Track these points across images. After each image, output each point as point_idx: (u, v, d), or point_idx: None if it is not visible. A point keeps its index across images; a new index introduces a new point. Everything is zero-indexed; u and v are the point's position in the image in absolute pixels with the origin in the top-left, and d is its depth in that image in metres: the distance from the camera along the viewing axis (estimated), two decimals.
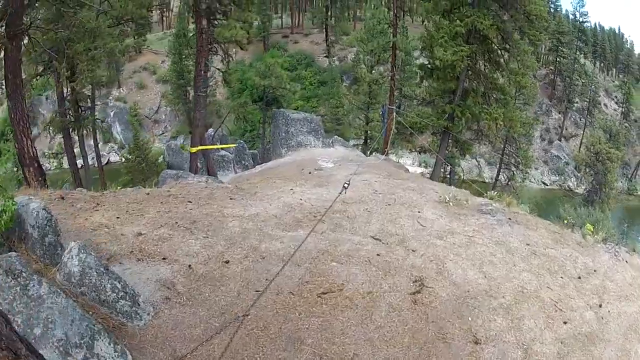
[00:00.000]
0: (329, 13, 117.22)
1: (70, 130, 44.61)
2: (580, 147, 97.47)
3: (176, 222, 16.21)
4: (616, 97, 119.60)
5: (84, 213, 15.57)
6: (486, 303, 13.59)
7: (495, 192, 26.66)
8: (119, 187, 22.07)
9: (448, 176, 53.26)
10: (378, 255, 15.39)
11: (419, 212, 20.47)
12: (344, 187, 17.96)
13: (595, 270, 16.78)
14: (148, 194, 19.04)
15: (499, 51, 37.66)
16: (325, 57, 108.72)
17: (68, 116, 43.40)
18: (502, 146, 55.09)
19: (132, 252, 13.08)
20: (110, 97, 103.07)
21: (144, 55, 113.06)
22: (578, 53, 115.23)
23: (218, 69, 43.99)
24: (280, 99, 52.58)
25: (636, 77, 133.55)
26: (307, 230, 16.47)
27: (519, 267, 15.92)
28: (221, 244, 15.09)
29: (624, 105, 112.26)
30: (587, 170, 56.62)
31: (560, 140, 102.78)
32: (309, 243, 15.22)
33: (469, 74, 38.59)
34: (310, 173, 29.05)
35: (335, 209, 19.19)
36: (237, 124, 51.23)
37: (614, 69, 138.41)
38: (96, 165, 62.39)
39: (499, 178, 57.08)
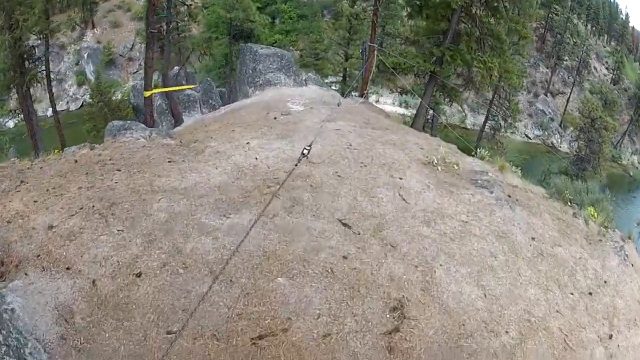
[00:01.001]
0: None
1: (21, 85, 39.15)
2: (566, 105, 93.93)
3: (93, 206, 12.66)
4: (607, 62, 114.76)
5: (5, 197, 13.49)
6: (486, 344, 10.00)
7: (486, 151, 22.57)
8: (56, 151, 19.82)
9: (430, 121, 48.77)
10: (345, 258, 11.38)
11: (400, 178, 16.55)
12: (302, 154, 13.60)
13: (605, 282, 13.73)
14: (76, 161, 16.09)
15: None
16: None
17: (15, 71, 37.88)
18: (491, 96, 50.54)
19: (39, 255, 10.91)
20: (85, 39, 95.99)
21: None
22: (571, 13, 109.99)
23: (183, 2, 38.60)
24: (255, 32, 46.59)
25: (629, 48, 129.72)
26: (254, 210, 12.47)
27: (524, 277, 12.35)
28: (137, 243, 11.33)
29: (615, 73, 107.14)
30: (580, 135, 52.36)
31: (546, 95, 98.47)
32: (251, 239, 11.09)
33: (463, 16, 33.75)
34: (275, 118, 24.54)
35: (297, 173, 15.17)
36: (201, 61, 45.33)
37: (606, 35, 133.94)
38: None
39: (484, 129, 52.71)
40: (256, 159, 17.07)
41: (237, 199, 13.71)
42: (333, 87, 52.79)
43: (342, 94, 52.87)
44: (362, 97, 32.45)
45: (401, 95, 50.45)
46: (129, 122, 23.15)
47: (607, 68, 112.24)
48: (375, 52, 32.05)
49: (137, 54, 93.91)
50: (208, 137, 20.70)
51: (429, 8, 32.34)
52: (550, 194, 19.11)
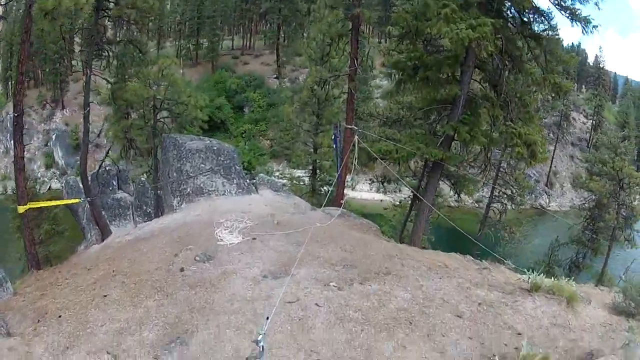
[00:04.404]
0: (281, 32, 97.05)
1: None
2: (551, 164, 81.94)
3: None
4: (584, 110, 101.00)
5: None
6: None
7: (536, 273, 13.49)
8: None
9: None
10: None
11: None
12: None
13: None
14: None
15: (524, 38, 19.87)
16: (275, 78, 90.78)
17: None
18: (495, 173, 37.21)
19: None
20: (54, 119, 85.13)
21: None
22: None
23: (106, 79, 26.06)
24: (184, 118, 31.39)
25: (606, 89, 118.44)
26: None
27: None
28: None
29: (595, 119, 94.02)
30: (609, 200, 39.84)
31: None
32: None
33: (478, 74, 20.93)
34: (182, 270, 12.94)
35: None
36: (125, 155, 31.21)
37: (576, 84, 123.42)
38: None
39: (488, 214, 39.37)
40: None
41: None
42: (302, 183, 40.12)
43: (312, 189, 40.56)
44: (339, 206, 19.73)
45: (382, 184, 36.78)
46: None
47: (585, 116, 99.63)
48: (356, 136, 19.33)
49: (104, 141, 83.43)
50: (55, 311, 11.60)
51: (429, 68, 19.42)
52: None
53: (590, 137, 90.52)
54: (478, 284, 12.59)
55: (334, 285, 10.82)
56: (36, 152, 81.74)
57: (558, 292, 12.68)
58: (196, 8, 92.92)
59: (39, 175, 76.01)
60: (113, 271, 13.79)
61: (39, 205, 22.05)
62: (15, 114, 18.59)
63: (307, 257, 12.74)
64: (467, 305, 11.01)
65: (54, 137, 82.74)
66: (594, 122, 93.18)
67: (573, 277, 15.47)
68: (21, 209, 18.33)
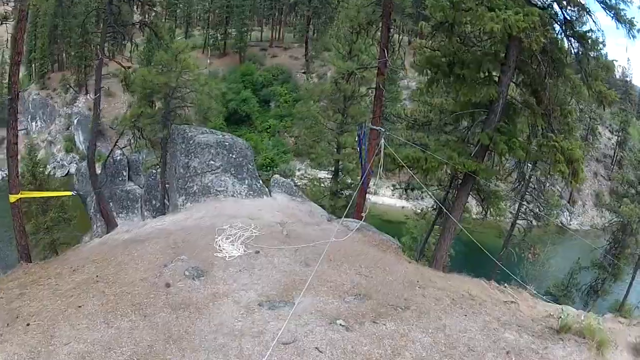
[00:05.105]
0: (311, 25, 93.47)
1: None
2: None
3: None
4: (610, 125, 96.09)
5: None
6: None
7: (566, 314, 11.46)
8: None
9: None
10: None
11: None
12: None
13: None
14: None
15: (569, 40, 17.64)
16: (303, 73, 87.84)
17: None
18: (522, 188, 34.63)
19: None
20: (77, 103, 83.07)
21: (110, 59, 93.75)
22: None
23: (121, 64, 24.43)
24: (197, 107, 28.78)
25: (632, 104, 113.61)
26: None
27: None
28: None
29: (621, 134, 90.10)
30: (637, 224, 37.37)
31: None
32: None
33: (517, 76, 18.72)
34: (168, 286, 11.14)
35: None
36: (135, 145, 29.22)
37: None
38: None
39: (512, 232, 36.91)
40: None
41: None
42: (323, 185, 38.15)
43: (332, 192, 38.90)
44: (359, 217, 17.96)
45: (405, 191, 34.31)
46: None
47: (610, 131, 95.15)
48: (382, 139, 17.41)
49: (127, 129, 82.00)
50: (26, 316, 10.11)
51: (466, 66, 17.37)
52: None
53: (614, 154, 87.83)
54: (506, 324, 10.60)
55: (341, 324, 8.85)
56: (57, 135, 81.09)
57: (589, 335, 10.98)
58: None
59: (59, 159, 77.81)
60: (97, 276, 12.21)
61: (31, 196, 20.46)
62: (9, 97, 16.96)
63: (315, 281, 10.83)
64: (494, 354, 9.06)
65: (75, 121, 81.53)
66: (619, 138, 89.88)
67: (591, 307, 13.56)
68: (12, 197, 16.78)
